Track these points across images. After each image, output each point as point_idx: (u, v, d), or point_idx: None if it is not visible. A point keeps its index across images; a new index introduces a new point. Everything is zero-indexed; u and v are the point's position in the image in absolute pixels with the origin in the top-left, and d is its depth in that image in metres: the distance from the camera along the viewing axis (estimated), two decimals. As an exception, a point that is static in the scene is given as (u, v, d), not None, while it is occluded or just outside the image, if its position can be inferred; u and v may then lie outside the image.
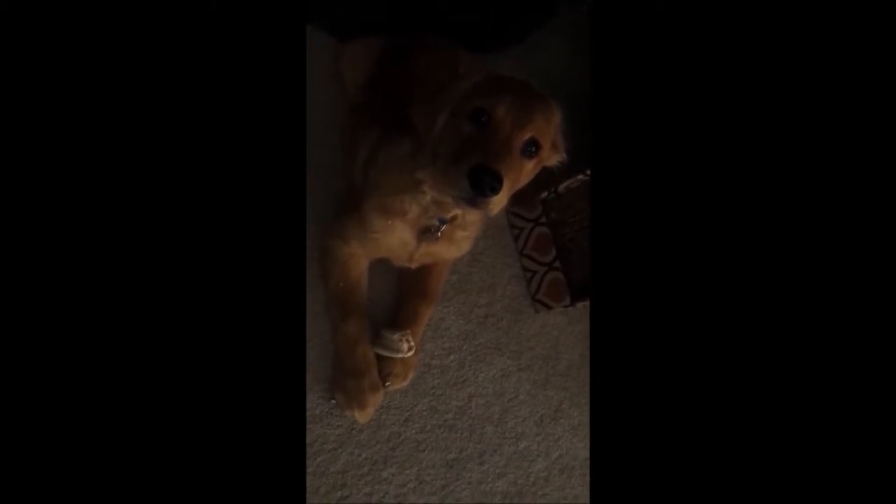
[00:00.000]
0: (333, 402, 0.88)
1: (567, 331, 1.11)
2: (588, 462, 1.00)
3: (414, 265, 0.92)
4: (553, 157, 0.77)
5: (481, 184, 0.64)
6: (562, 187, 1.13)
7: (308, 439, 0.85)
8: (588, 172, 1.09)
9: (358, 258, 0.95)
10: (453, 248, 0.91)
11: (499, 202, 0.67)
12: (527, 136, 0.69)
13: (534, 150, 0.71)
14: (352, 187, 0.99)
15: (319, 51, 1.08)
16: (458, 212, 0.81)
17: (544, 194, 1.17)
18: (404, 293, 0.99)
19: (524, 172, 0.72)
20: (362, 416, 0.87)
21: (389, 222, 0.85)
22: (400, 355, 0.89)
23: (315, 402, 0.88)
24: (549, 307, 1.11)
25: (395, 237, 0.87)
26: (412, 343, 0.90)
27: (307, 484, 0.83)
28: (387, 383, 0.90)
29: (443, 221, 0.83)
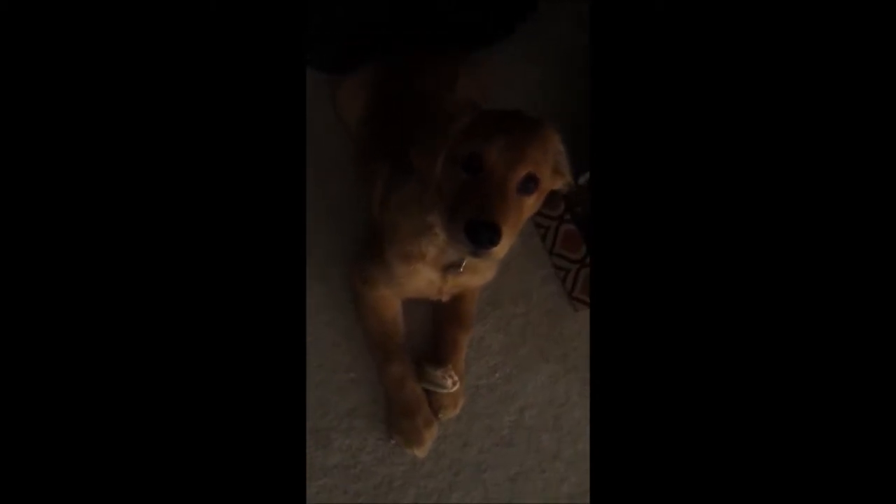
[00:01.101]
0: (393, 442, 0.93)
1: (609, 323, 1.10)
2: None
3: (445, 298, 0.93)
4: (557, 182, 0.75)
5: (479, 239, 0.64)
6: (582, 179, 1.09)
7: (376, 480, 0.91)
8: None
9: (389, 300, 0.97)
10: (478, 276, 0.92)
11: (502, 249, 0.67)
12: (522, 174, 0.67)
13: (532, 185, 0.69)
14: (373, 223, 1.00)
15: (315, 85, 1.06)
16: None
17: (564, 189, 1.14)
18: (440, 323, 1.01)
19: (525, 209, 0.70)
20: (421, 452, 0.92)
21: (412, 267, 0.86)
22: (445, 391, 0.91)
23: (376, 445, 0.93)
24: (587, 304, 1.10)
25: (420, 279, 0.88)
26: (455, 378, 0.92)
27: (383, 521, 0.89)
28: (439, 415, 0.94)
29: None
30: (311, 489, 0.89)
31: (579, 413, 1.03)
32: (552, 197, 0.85)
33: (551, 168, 0.71)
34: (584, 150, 0.98)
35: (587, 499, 0.98)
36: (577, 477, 0.99)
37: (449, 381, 0.90)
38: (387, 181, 0.90)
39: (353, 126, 1.05)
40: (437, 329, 1.00)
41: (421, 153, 0.76)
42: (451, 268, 0.85)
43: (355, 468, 0.91)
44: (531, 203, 0.70)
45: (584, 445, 1.01)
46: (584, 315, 1.11)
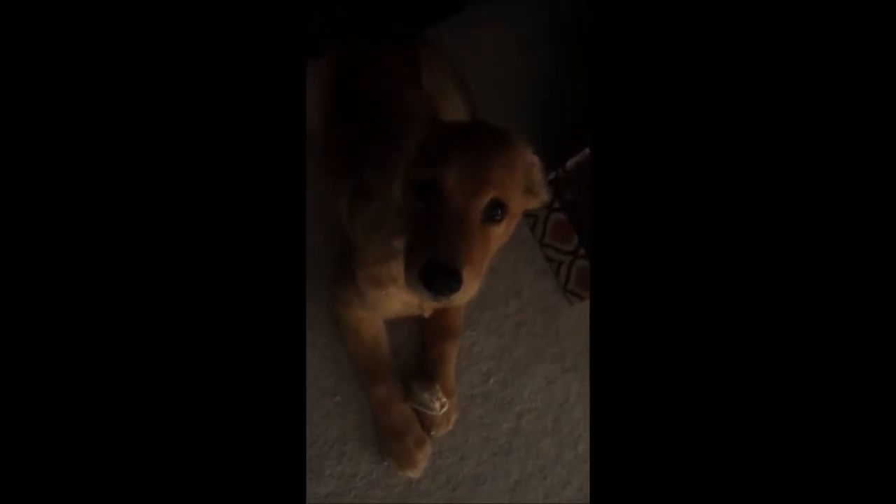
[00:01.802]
0: (385, 464, 0.90)
1: (608, 315, 1.04)
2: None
3: (427, 314, 0.87)
4: (530, 202, 0.65)
5: (436, 286, 0.55)
6: (570, 164, 0.99)
7: (373, 503, 0.89)
8: (596, 144, 0.94)
9: (368, 320, 0.91)
10: (461, 295, 0.84)
11: (466, 293, 0.57)
12: (485, 201, 0.57)
13: (499, 212, 0.59)
14: (347, 240, 0.93)
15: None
16: None
17: (552, 175, 1.04)
18: (425, 335, 0.95)
19: (493, 241, 0.60)
20: (415, 473, 0.89)
21: (384, 292, 0.79)
22: (433, 412, 0.87)
23: (369, 468, 0.91)
24: (582, 297, 1.03)
25: (395, 301, 0.82)
26: (443, 399, 0.87)
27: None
28: (431, 433, 0.90)
29: None
30: (306, 521, 0.87)
31: (579, 413, 0.99)
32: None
33: (522, 188, 0.62)
34: (570, 128, 0.87)
35: (588, 502, 0.96)
36: (579, 480, 0.96)
37: (437, 404, 0.86)
38: (351, 200, 0.81)
39: (311, 132, 0.94)
40: (424, 343, 0.95)
41: (377, 175, 0.67)
42: None
43: (349, 494, 0.89)
44: (500, 233, 0.61)
45: (585, 447, 0.98)
46: (580, 309, 1.04)
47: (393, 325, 0.94)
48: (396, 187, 0.63)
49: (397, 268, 0.74)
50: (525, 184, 0.62)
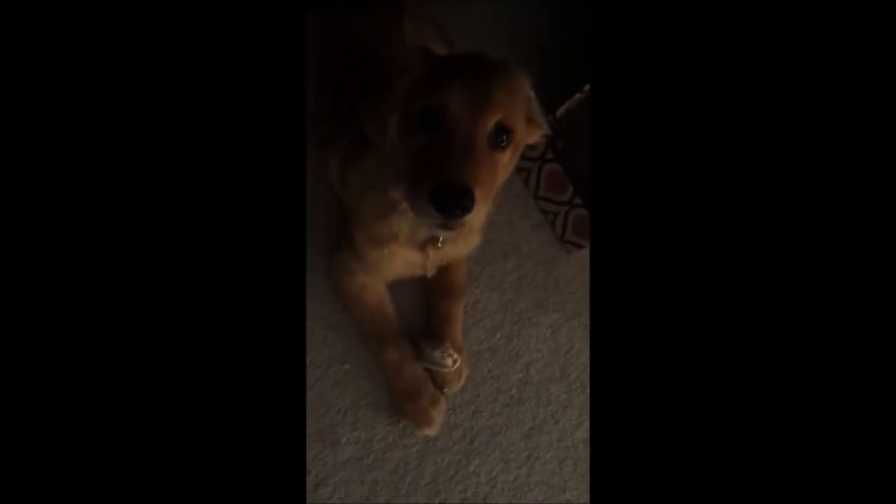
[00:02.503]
0: (401, 425, 0.91)
1: (605, 260, 1.05)
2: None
3: (431, 273, 0.86)
4: (533, 134, 0.64)
5: (448, 206, 0.53)
6: (560, 111, 0.98)
7: (391, 465, 0.90)
8: (586, 89, 0.93)
9: (371, 286, 0.90)
10: (463, 245, 0.84)
11: (478, 216, 0.56)
12: (491, 123, 0.56)
13: (505, 137, 0.57)
14: (340, 206, 0.91)
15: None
16: None
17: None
18: (430, 296, 0.94)
19: (500, 168, 0.59)
20: (432, 431, 0.89)
21: (385, 251, 0.78)
22: (446, 370, 0.87)
23: (385, 431, 0.91)
24: (580, 246, 1.03)
25: (398, 260, 0.80)
26: (455, 356, 0.87)
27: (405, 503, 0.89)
28: (444, 391, 0.91)
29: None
30: (327, 488, 0.87)
31: (585, 358, 1.01)
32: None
33: (524, 116, 0.60)
34: (558, 77, 0.86)
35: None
36: (589, 420, 0.99)
37: (449, 360, 0.86)
38: (342, 159, 0.79)
39: None
40: (429, 303, 0.94)
41: (371, 119, 0.65)
42: (429, 243, 0.77)
43: (368, 458, 0.89)
44: (506, 161, 0.59)
45: (594, 390, 1.01)
46: (578, 258, 1.05)
47: (396, 288, 0.94)
48: (392, 126, 0.61)
49: (397, 222, 0.73)
50: (526, 113, 0.61)
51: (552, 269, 1.04)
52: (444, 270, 0.91)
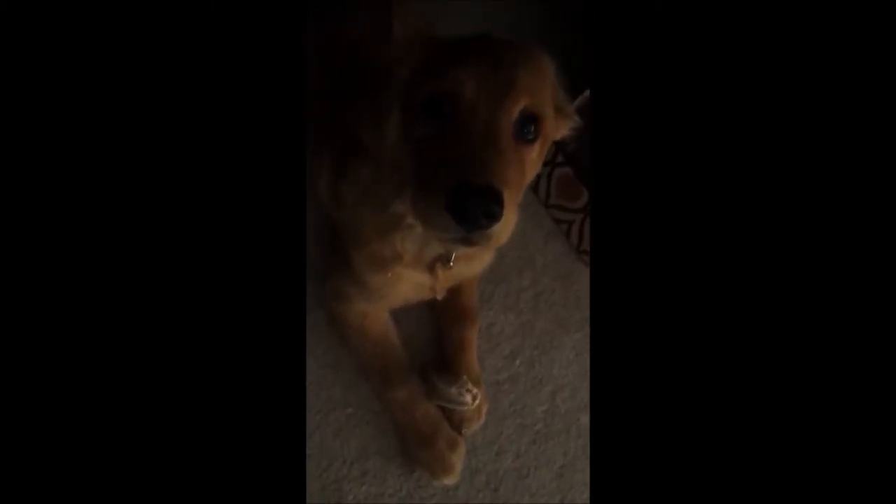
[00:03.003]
0: (416, 475, 0.79)
1: (628, 271, 0.96)
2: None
3: (440, 296, 0.75)
4: (562, 126, 0.54)
5: (471, 214, 0.41)
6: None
7: (408, 521, 0.78)
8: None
9: (373, 315, 0.78)
10: (475, 263, 0.73)
11: (507, 226, 0.44)
12: (516, 111, 0.45)
13: (532, 128, 0.47)
14: (332, 225, 0.80)
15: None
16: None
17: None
18: (440, 321, 0.83)
19: (528, 166, 0.48)
20: (452, 479, 0.77)
21: (388, 274, 0.67)
22: (465, 408, 0.76)
23: (398, 483, 0.79)
24: (600, 256, 0.94)
25: (403, 284, 0.70)
26: (474, 391, 0.76)
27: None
28: (463, 431, 0.79)
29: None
30: (336, 556, 0.75)
31: (615, 381, 0.91)
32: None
33: (552, 104, 0.50)
34: (560, 77, 0.78)
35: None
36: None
37: (468, 397, 0.75)
38: (332, 172, 0.68)
39: None
40: (439, 330, 0.83)
41: (366, 122, 0.55)
42: (438, 262, 0.66)
43: (381, 516, 0.77)
44: (535, 156, 0.49)
45: (628, 416, 0.90)
46: (599, 269, 0.95)
47: (400, 314, 0.82)
48: (391, 127, 0.50)
49: (401, 240, 0.62)
50: (554, 101, 0.51)
51: (571, 283, 0.94)
52: (454, 292, 0.80)
